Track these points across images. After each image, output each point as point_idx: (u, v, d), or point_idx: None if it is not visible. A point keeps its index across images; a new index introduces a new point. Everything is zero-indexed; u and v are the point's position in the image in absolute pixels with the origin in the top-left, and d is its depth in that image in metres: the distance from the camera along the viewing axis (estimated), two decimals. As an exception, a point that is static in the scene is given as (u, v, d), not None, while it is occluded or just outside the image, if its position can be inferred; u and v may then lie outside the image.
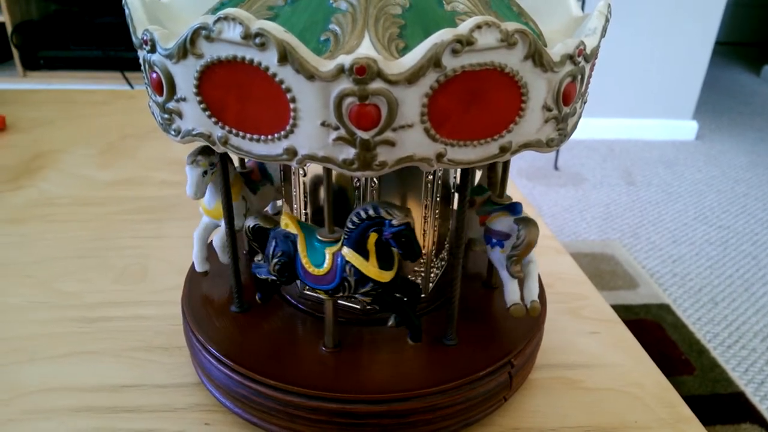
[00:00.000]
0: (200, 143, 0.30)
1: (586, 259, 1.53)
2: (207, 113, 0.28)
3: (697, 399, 1.09)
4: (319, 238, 0.34)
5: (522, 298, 0.37)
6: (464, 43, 0.25)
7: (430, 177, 0.37)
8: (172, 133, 0.30)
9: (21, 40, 1.80)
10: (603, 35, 0.31)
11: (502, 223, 0.37)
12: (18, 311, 0.48)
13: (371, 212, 0.31)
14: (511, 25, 0.25)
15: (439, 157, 0.27)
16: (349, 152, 0.26)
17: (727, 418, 1.05)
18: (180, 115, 0.29)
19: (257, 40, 0.24)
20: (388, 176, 0.30)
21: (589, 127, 2.35)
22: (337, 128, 0.26)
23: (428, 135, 0.27)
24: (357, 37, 0.28)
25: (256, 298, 0.39)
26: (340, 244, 0.33)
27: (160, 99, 0.29)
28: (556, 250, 0.59)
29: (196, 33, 0.26)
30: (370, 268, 0.33)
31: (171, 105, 0.29)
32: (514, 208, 0.37)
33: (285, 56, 0.24)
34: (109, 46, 1.80)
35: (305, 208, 0.39)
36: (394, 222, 0.31)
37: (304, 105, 0.26)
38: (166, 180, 0.72)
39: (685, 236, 1.69)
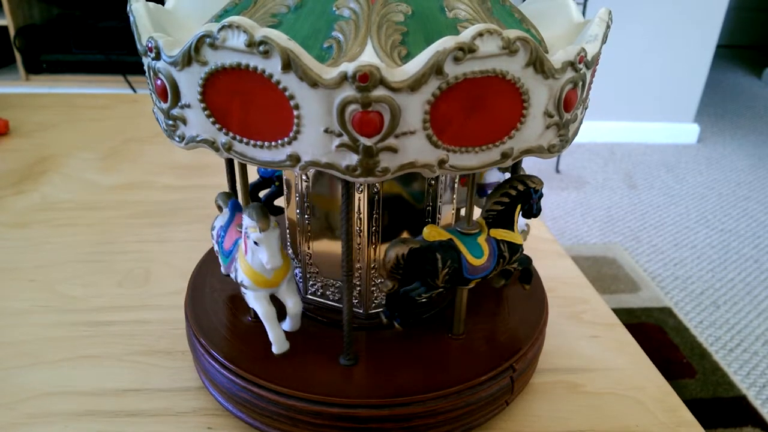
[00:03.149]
0: (210, 151, 0.30)
1: (588, 263, 1.53)
2: (211, 120, 0.28)
3: (698, 402, 1.09)
4: (466, 232, 0.35)
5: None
6: (466, 50, 0.25)
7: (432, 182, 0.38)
8: (177, 139, 0.30)
9: (24, 44, 1.80)
10: (604, 41, 0.32)
11: (492, 174, 0.42)
12: (21, 315, 0.48)
13: (521, 187, 0.35)
14: (512, 33, 0.25)
15: (441, 163, 0.28)
16: (352, 159, 0.27)
17: (728, 422, 1.05)
18: (184, 122, 0.29)
19: (261, 48, 0.25)
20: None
21: (590, 131, 2.35)
22: (340, 135, 0.26)
23: (430, 141, 0.27)
24: (360, 44, 0.28)
25: (396, 324, 0.36)
26: (486, 228, 0.36)
27: (164, 105, 0.30)
28: (558, 254, 0.59)
29: (200, 41, 0.26)
30: (516, 236, 0.37)
31: (175, 111, 0.29)
32: None
33: (289, 64, 0.25)
34: (111, 50, 1.80)
35: (306, 213, 0.39)
36: (538, 188, 0.36)
37: (308, 112, 0.26)
38: (169, 184, 0.72)
39: (687, 239, 1.69)
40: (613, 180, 2.06)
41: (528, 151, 0.29)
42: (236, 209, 0.38)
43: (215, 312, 0.40)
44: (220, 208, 0.40)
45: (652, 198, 1.94)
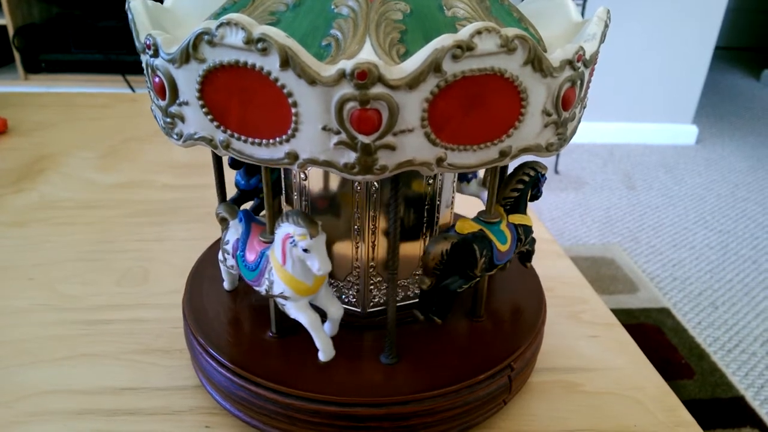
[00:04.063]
0: (208, 147, 0.30)
1: (587, 263, 1.53)
2: (209, 117, 0.28)
3: (697, 403, 1.09)
4: (490, 221, 0.36)
5: None
6: (464, 48, 0.25)
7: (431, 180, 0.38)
8: (175, 137, 0.30)
9: (23, 43, 1.80)
10: (602, 41, 0.32)
11: None
12: (20, 314, 0.48)
13: (532, 173, 0.38)
14: (510, 31, 0.25)
15: (439, 161, 0.28)
16: (350, 156, 0.27)
17: (726, 423, 1.05)
18: (182, 119, 0.29)
19: (259, 45, 0.25)
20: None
21: (589, 131, 2.35)
22: (338, 132, 0.26)
23: (428, 139, 0.27)
24: (358, 42, 0.28)
25: (436, 319, 0.36)
26: (505, 215, 0.37)
27: (162, 103, 0.30)
28: (557, 254, 0.59)
29: (198, 38, 0.26)
30: (527, 219, 0.39)
31: (173, 109, 0.29)
32: None
33: (287, 61, 0.25)
34: (110, 50, 1.80)
35: (305, 212, 0.39)
36: (544, 172, 0.38)
37: (306, 109, 0.26)
38: (168, 183, 0.72)
39: (685, 240, 1.69)
40: (612, 181, 2.06)
41: (526, 150, 0.29)
42: (250, 220, 0.37)
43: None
44: (224, 221, 0.38)
45: (650, 199, 1.94)
